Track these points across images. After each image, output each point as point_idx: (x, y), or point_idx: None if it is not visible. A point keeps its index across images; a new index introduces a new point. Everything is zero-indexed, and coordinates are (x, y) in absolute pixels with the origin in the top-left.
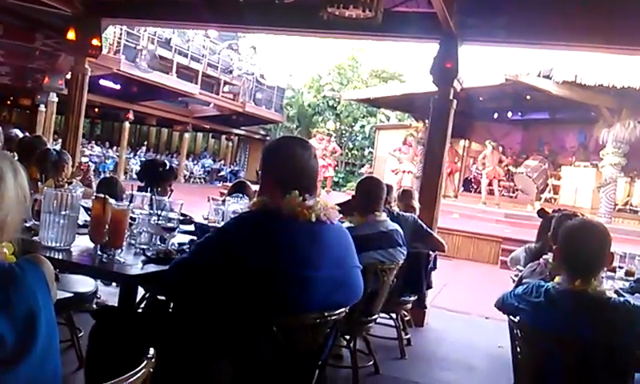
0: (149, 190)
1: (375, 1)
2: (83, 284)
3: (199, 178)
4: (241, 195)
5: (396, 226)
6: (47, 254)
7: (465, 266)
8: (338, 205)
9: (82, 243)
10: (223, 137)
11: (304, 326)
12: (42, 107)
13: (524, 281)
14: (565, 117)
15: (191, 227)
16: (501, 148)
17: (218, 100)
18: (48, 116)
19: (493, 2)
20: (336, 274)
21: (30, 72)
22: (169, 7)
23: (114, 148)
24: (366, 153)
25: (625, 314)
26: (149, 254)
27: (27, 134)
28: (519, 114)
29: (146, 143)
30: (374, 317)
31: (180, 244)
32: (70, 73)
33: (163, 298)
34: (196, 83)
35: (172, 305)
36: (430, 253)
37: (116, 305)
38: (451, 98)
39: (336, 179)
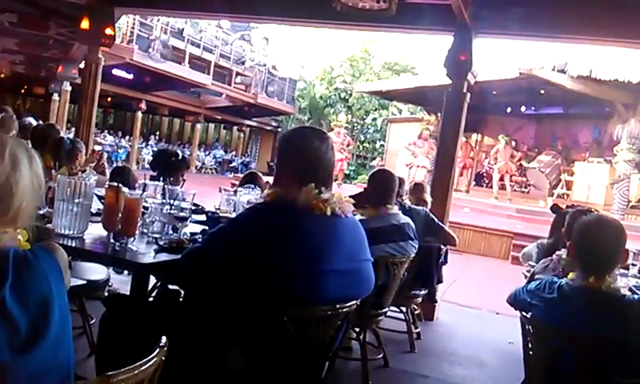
0: (161, 179)
1: None
2: (95, 272)
3: (210, 169)
4: (252, 186)
5: (407, 220)
6: (61, 242)
7: (476, 260)
8: (351, 197)
9: (95, 231)
10: (235, 128)
11: (315, 318)
12: (56, 96)
13: (536, 277)
14: (579, 112)
15: (203, 217)
16: (514, 143)
17: (230, 91)
18: (61, 105)
19: None
20: (348, 268)
21: (43, 61)
22: None
23: (127, 138)
24: (377, 146)
25: (639, 312)
26: (161, 243)
27: (41, 122)
28: (533, 108)
29: (157, 133)
30: (384, 310)
31: (192, 234)
32: (83, 62)
33: (175, 287)
34: (208, 74)
35: (183, 294)
36: (442, 247)
37: (127, 293)
38: (465, 90)
39: (347, 172)
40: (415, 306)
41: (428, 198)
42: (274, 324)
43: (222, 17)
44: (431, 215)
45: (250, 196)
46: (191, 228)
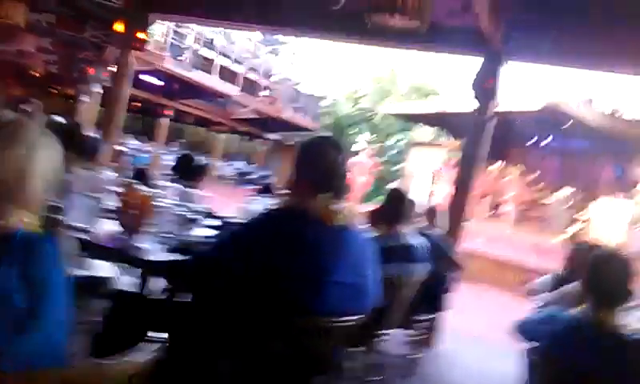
0: (180, 182)
1: (422, 10)
2: (104, 269)
3: (230, 179)
4: (270, 195)
5: (420, 241)
6: (72, 234)
7: (485, 291)
8: (368, 214)
9: (108, 226)
10: (257, 140)
11: (318, 329)
12: (86, 97)
13: (549, 307)
14: (602, 148)
15: (217, 222)
16: (532, 175)
17: (256, 103)
18: (91, 106)
19: (540, 19)
20: (353, 281)
21: (77, 62)
22: (216, 4)
23: (151, 142)
24: (396, 168)
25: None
26: (172, 243)
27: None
28: (555, 141)
29: (181, 140)
30: (385, 331)
31: (205, 237)
32: (115, 65)
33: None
34: (236, 85)
35: (191, 297)
36: (445, 274)
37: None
38: (491, 114)
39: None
40: (418, 332)
41: (439, 222)
42: (273, 331)
43: (253, 27)
44: (442, 241)
45: (266, 204)
46: (204, 232)
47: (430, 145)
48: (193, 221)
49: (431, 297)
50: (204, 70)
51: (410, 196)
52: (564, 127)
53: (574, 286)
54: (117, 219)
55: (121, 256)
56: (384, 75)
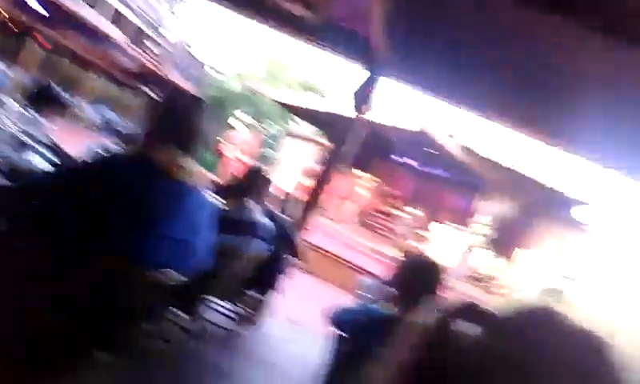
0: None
1: (317, 3)
2: None
3: (95, 126)
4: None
5: (264, 220)
6: None
7: (321, 285)
8: (222, 184)
9: None
10: (135, 93)
11: (139, 278)
12: None
13: (362, 303)
14: (456, 179)
15: (57, 157)
16: (390, 188)
17: (142, 56)
18: None
19: (426, 47)
20: (188, 240)
21: None
22: None
23: (18, 66)
24: (269, 153)
25: None
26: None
27: None
28: (419, 163)
29: (52, 72)
30: (212, 299)
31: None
32: None
33: None
34: (126, 33)
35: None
36: (284, 256)
37: None
38: (363, 122)
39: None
40: (245, 307)
41: (290, 208)
42: (94, 269)
43: None
44: (289, 226)
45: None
46: (42, 163)
47: (305, 139)
48: (29, 147)
49: (265, 277)
50: (95, 9)
51: (267, 176)
52: (427, 152)
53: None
54: None
55: None
56: (276, 62)
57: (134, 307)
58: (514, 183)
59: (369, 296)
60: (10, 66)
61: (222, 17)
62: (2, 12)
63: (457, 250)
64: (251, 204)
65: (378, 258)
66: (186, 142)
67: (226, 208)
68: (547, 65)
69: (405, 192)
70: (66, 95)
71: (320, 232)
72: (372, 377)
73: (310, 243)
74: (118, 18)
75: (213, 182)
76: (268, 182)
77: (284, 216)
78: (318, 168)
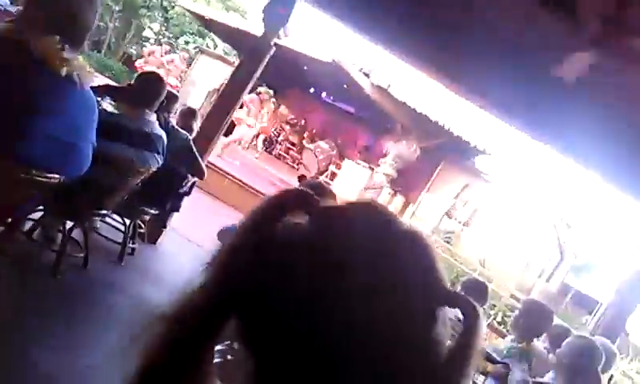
0: None
1: None
2: None
3: None
4: None
5: (162, 133)
6: None
7: (225, 209)
8: (113, 87)
9: None
10: None
11: (12, 174)
12: None
13: None
14: (366, 117)
15: None
16: (302, 119)
17: None
18: None
19: None
20: (66, 138)
21: None
22: None
23: None
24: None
25: None
26: None
27: None
28: (331, 97)
29: None
30: (103, 211)
31: None
32: None
33: None
34: None
35: None
36: (189, 177)
37: None
38: (272, 43)
39: None
40: (141, 224)
41: (196, 127)
42: None
43: None
44: (191, 143)
45: None
46: None
47: (219, 58)
48: None
49: (163, 193)
50: None
51: (164, 82)
52: (344, 87)
53: None
54: None
55: None
56: None
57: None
58: (422, 127)
59: None
60: None
61: None
62: None
63: (361, 186)
64: (152, 116)
65: (281, 186)
66: (71, 33)
67: (122, 115)
68: (469, 18)
69: (318, 125)
70: None
71: (224, 155)
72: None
73: (213, 165)
74: None
75: (108, 85)
76: (175, 97)
77: (184, 131)
78: (228, 89)
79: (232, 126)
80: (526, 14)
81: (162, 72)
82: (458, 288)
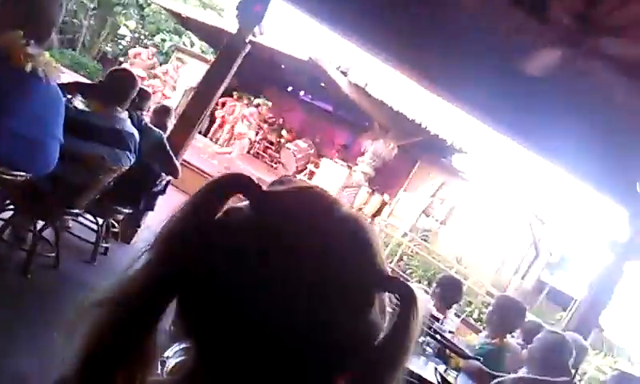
0: None
1: None
2: None
3: None
4: None
5: (133, 131)
6: None
7: None
8: (85, 84)
9: None
10: None
11: None
12: None
13: None
14: (344, 115)
15: None
16: (280, 117)
17: None
18: None
19: None
20: (32, 136)
21: None
22: None
23: None
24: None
25: None
26: None
27: None
28: (309, 96)
29: None
30: (75, 210)
31: None
32: None
33: None
34: None
35: None
36: (163, 175)
37: None
38: (247, 41)
39: None
40: (114, 223)
41: (170, 125)
42: None
43: None
44: (164, 141)
45: None
46: None
47: (196, 57)
48: None
49: (137, 191)
50: None
51: (137, 78)
52: (321, 85)
53: None
54: None
55: None
56: None
57: None
58: (400, 126)
59: None
60: None
61: None
62: None
63: (340, 185)
64: (123, 113)
65: None
66: (36, 28)
67: (93, 112)
68: (443, 17)
69: (296, 124)
70: None
71: (200, 152)
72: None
73: (188, 162)
74: None
75: (79, 82)
76: (148, 94)
77: (157, 129)
78: (203, 87)
79: (230, 137)
80: (497, 13)
81: (157, 81)
82: (434, 285)
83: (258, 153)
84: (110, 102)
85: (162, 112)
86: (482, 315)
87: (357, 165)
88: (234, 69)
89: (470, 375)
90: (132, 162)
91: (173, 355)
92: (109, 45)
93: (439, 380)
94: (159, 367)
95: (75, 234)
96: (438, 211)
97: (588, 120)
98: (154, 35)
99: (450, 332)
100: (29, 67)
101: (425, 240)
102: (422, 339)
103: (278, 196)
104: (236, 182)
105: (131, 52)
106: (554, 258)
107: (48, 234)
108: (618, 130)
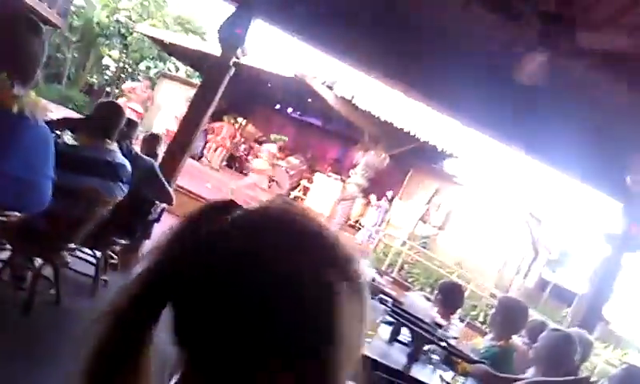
0: None
1: None
2: None
3: None
4: None
5: (124, 162)
6: None
7: None
8: (73, 119)
9: None
10: None
11: None
12: None
13: None
14: (334, 129)
15: None
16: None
17: None
18: None
19: None
20: (25, 176)
21: None
22: None
23: None
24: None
25: None
26: None
27: None
28: (298, 112)
29: None
30: (71, 245)
31: None
32: None
33: None
34: None
35: None
36: (157, 203)
37: None
38: (230, 64)
39: None
40: (112, 254)
41: (160, 152)
42: None
43: None
44: (156, 169)
45: None
46: None
47: (181, 82)
48: None
49: (132, 221)
50: None
51: (124, 110)
52: (308, 101)
53: None
54: None
55: None
56: None
57: None
58: (389, 136)
59: None
60: None
61: None
62: None
63: (335, 198)
64: (113, 145)
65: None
66: (20, 70)
67: (82, 146)
68: (427, 26)
69: (288, 143)
70: None
71: (193, 176)
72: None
73: (182, 188)
74: None
75: (67, 118)
76: (135, 124)
77: (148, 158)
78: (190, 112)
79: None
80: (473, 18)
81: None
82: (436, 292)
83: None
84: (99, 135)
85: (152, 140)
86: (487, 318)
87: (349, 177)
88: (221, 92)
89: (478, 379)
90: (125, 193)
91: None
92: (94, 76)
93: None
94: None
95: (74, 269)
96: (435, 217)
97: (575, 118)
98: (138, 63)
99: (454, 338)
100: (16, 109)
101: (424, 247)
102: (427, 347)
103: (251, 215)
104: (220, 206)
105: (125, 87)
106: (553, 255)
107: (47, 271)
108: (605, 125)
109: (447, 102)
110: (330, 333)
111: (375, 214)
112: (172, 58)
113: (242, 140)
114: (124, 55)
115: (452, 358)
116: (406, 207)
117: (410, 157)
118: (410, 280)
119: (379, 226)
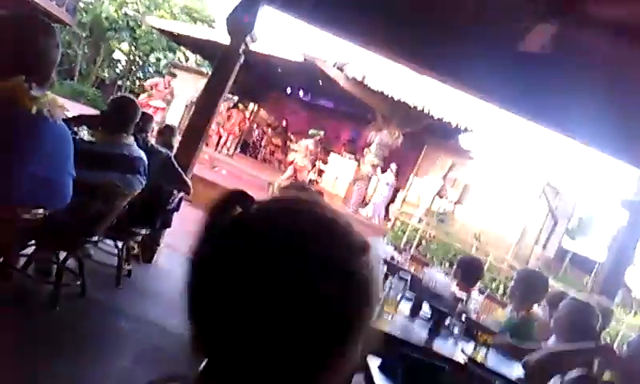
0: None
1: None
2: None
3: None
4: None
5: (141, 155)
6: None
7: None
8: (89, 116)
9: None
10: None
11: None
12: None
13: None
14: (346, 110)
15: None
16: (283, 121)
17: None
18: None
19: None
20: (46, 175)
21: None
22: None
23: None
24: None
25: None
26: None
27: None
28: (309, 95)
29: None
30: (94, 238)
31: None
32: None
33: None
34: None
35: None
36: (175, 192)
37: None
38: (240, 52)
39: None
40: (133, 245)
41: (175, 143)
42: None
43: None
44: (172, 159)
45: None
46: None
47: (192, 71)
48: None
49: (152, 211)
50: None
51: (137, 104)
52: (319, 83)
53: None
54: None
55: None
56: None
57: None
58: (402, 114)
59: None
60: None
61: None
62: None
63: (350, 178)
64: (129, 138)
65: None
66: (36, 71)
67: (99, 142)
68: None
69: (301, 125)
70: None
71: (220, 170)
72: None
73: (199, 176)
74: None
75: (82, 115)
76: (150, 117)
77: (164, 149)
78: (202, 101)
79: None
80: None
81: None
82: (454, 266)
83: (265, 157)
84: (116, 130)
85: (167, 131)
86: (506, 289)
87: (364, 157)
88: (232, 80)
89: (499, 350)
90: (143, 185)
91: None
92: (105, 70)
93: (466, 360)
94: None
95: (97, 261)
96: (452, 192)
97: (590, 87)
98: (148, 55)
99: (474, 312)
100: (34, 109)
101: (442, 222)
102: (447, 322)
103: (262, 206)
104: (235, 198)
105: (148, 83)
106: (572, 224)
107: (71, 263)
108: (620, 92)
109: (460, 76)
110: (355, 315)
111: (384, 187)
112: (181, 48)
113: (255, 125)
114: (134, 48)
115: (473, 331)
116: (421, 184)
117: (424, 134)
118: (428, 256)
119: (389, 199)
